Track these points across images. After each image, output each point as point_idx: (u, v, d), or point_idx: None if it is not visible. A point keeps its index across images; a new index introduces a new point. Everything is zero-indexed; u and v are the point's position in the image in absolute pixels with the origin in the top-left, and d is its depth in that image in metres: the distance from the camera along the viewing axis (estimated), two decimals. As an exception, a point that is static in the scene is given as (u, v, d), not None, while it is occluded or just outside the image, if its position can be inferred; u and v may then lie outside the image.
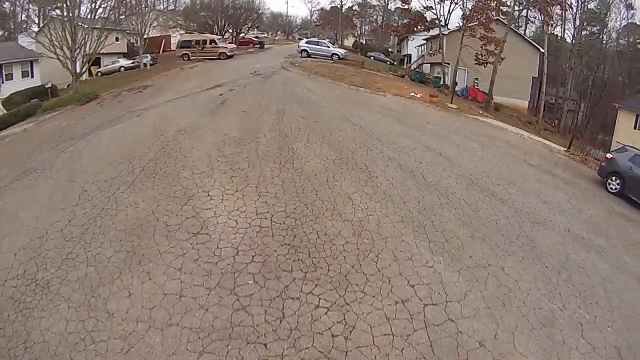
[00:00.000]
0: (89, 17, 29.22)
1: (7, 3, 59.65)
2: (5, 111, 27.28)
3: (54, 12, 29.99)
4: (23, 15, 63.75)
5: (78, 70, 27.84)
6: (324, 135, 13.96)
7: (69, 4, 26.58)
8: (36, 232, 8.89)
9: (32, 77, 35.76)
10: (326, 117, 16.41)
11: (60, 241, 8.41)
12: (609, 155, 15.38)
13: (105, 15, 30.44)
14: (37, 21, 62.05)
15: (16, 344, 6.09)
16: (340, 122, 15.93)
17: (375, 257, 7.58)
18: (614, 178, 14.34)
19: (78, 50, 27.07)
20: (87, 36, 27.58)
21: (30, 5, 63.06)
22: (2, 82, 32.52)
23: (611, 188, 14.31)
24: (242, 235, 7.98)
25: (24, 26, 61.66)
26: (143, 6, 37.61)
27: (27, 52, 36.68)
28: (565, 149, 20.33)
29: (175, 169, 11.08)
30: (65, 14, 26.93)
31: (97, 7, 29.03)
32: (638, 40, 53.37)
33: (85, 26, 28.13)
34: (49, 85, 31.79)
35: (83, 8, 28.60)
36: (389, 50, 63.31)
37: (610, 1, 50.90)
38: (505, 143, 18.55)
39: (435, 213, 9.52)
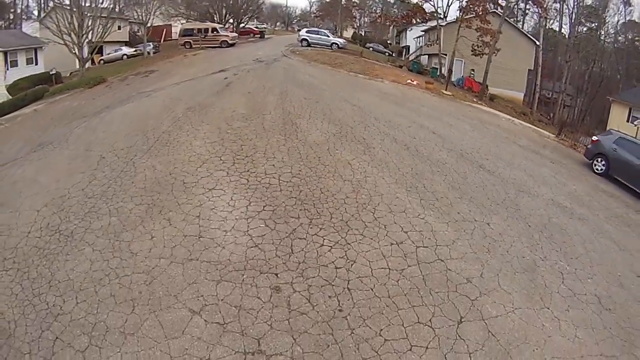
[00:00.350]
0: (93, 5, 29.82)
1: None
2: (10, 96, 27.98)
3: (57, 1, 30.40)
4: (22, 5, 64.21)
5: (84, 56, 28.52)
6: (325, 113, 14.71)
7: None
8: (57, 192, 9.50)
9: (37, 64, 36.46)
10: (326, 98, 17.18)
11: (82, 198, 9.06)
12: (594, 138, 16.20)
13: (112, 5, 30.92)
14: (36, 11, 62.67)
15: (40, 284, 6.59)
16: (339, 102, 16.70)
17: (373, 209, 8.40)
18: (599, 159, 15.12)
19: (85, 36, 27.74)
20: (93, 24, 28.22)
21: None
22: (8, 69, 33.12)
23: (597, 169, 15.11)
24: (254, 190, 8.79)
25: (23, 16, 62.18)
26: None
27: (31, 40, 37.35)
28: (555, 135, 21.14)
29: (188, 139, 11.82)
30: (71, 2, 27.55)
31: None
32: (637, 38, 54.14)
33: (91, 15, 28.74)
34: (54, 72, 32.41)
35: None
36: (388, 42, 63.93)
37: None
38: (497, 127, 19.41)
39: (427, 178, 10.34)
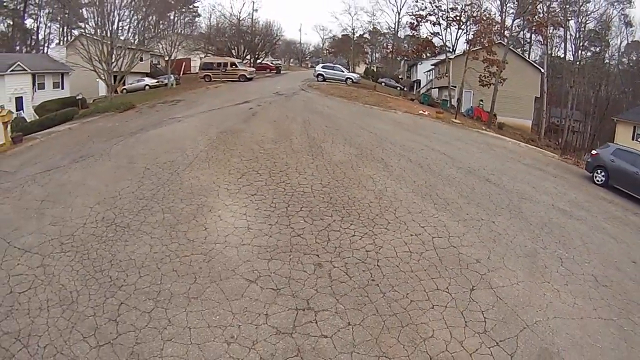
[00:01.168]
0: (123, 37, 32.19)
1: (29, 20, 63.46)
2: (38, 117, 29.56)
3: (80, 30, 32.89)
4: (45, 32, 67.41)
5: (113, 84, 30.72)
6: (346, 139, 16.28)
7: (104, 24, 29.53)
8: (107, 194, 10.70)
9: (63, 88, 38.76)
10: (345, 126, 18.82)
11: (133, 199, 10.29)
12: (593, 152, 17.54)
13: (140, 38, 33.10)
14: (58, 37, 66.29)
15: (101, 263, 7.60)
16: (358, 130, 18.31)
17: (394, 210, 9.81)
18: (599, 171, 16.40)
19: (114, 64, 29.98)
20: (122, 54, 30.47)
21: (52, 23, 67.00)
22: (35, 91, 35.14)
23: (597, 180, 16.35)
24: (290, 195, 10.28)
25: (43, 43, 65.78)
26: (171, 30, 40.43)
27: (58, 65, 39.63)
28: (559, 155, 22.45)
29: (225, 157, 13.37)
30: (101, 32, 29.89)
31: (132, 28, 32.04)
32: (642, 58, 55.53)
33: (120, 46, 30.96)
34: (80, 96, 34.37)
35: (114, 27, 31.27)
36: (399, 76, 66.11)
37: (609, 20, 53.26)
38: (503, 148, 20.84)
39: (439, 189, 11.72)
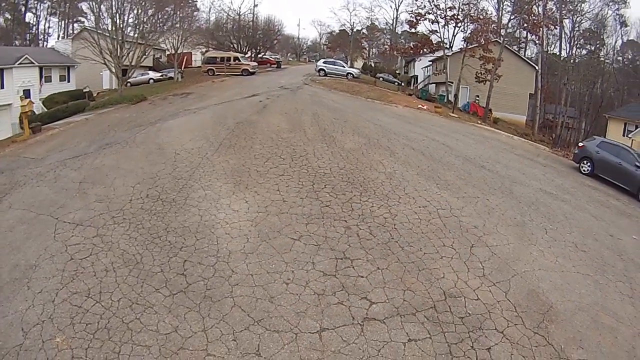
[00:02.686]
0: (132, 34, 33.50)
1: (28, 13, 64.06)
2: (46, 109, 30.53)
3: (81, 24, 33.91)
4: (45, 26, 68.25)
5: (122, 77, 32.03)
6: (354, 129, 17.84)
7: (113, 17, 30.83)
8: (146, 175, 11.76)
9: (69, 81, 39.77)
10: (352, 119, 20.37)
11: (172, 179, 11.43)
12: (580, 144, 19.28)
13: (140, 32, 34.10)
14: (57, 31, 67.07)
15: (157, 231, 8.69)
16: (364, 122, 19.86)
17: (403, 188, 11.43)
18: (585, 161, 18.13)
19: (125, 58, 31.29)
20: (131, 47, 31.82)
21: (51, 17, 67.84)
22: (42, 84, 36.14)
23: (583, 170, 18.08)
24: (314, 176, 11.83)
25: (42, 37, 66.53)
26: (170, 24, 41.53)
27: (64, 58, 40.62)
28: (550, 148, 24.19)
29: (247, 144, 14.76)
30: (110, 27, 31.20)
31: (133, 22, 33.29)
32: (637, 57, 57.14)
33: (129, 41, 32.27)
34: (87, 89, 35.53)
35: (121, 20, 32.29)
36: (397, 72, 67.65)
37: (604, 19, 54.99)
38: (497, 141, 22.58)
39: (440, 173, 13.31)
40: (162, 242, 8.40)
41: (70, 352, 5.78)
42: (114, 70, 31.29)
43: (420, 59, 53.09)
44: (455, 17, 38.66)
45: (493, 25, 37.37)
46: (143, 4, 33.80)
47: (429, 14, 39.01)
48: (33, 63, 35.21)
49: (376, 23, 72.38)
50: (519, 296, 7.30)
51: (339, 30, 76.69)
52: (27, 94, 34.37)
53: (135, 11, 32.89)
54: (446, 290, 7.22)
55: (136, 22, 33.31)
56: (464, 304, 6.92)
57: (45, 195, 10.90)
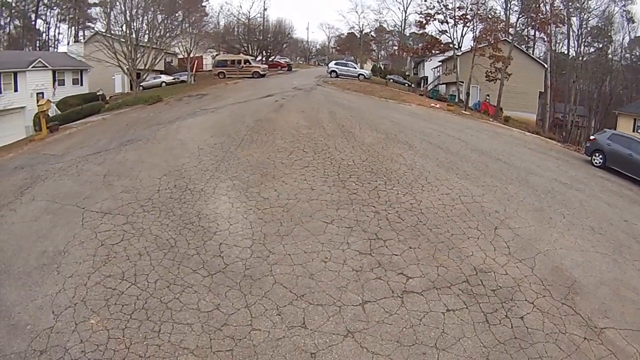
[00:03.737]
0: (145, 39, 34.32)
1: (38, 20, 65.10)
2: (59, 111, 31.16)
3: (91, 30, 34.71)
4: (55, 32, 69.39)
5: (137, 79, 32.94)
6: (371, 126, 18.32)
7: (126, 22, 31.67)
8: (171, 168, 12.05)
9: (82, 85, 40.49)
10: (368, 116, 20.86)
11: (198, 172, 11.74)
12: (592, 137, 19.61)
13: (151, 36, 34.94)
14: (67, 38, 68.14)
15: (189, 217, 8.98)
16: (379, 119, 20.33)
17: (425, 178, 11.89)
18: (597, 154, 18.45)
19: (139, 59, 32.08)
20: (144, 51, 32.64)
21: (60, 24, 68.97)
22: (56, 87, 36.84)
23: (595, 162, 18.40)
24: (338, 167, 12.31)
25: (52, 44, 67.56)
26: (180, 29, 42.33)
27: (76, 62, 41.44)
28: (562, 143, 24.52)
29: (269, 139, 15.20)
30: (123, 32, 32.03)
31: (146, 27, 34.07)
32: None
33: (142, 45, 33.13)
34: (100, 92, 36.27)
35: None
36: (406, 73, 67.99)
37: (611, 16, 55.06)
38: (509, 136, 22.98)
39: (458, 164, 13.74)
40: (195, 228, 8.65)
41: (106, 332, 5.82)
42: (127, 72, 31.93)
43: (431, 59, 53.39)
44: (464, 16, 39.03)
45: (502, 24, 37.67)
46: (153, 9, 34.68)
47: (438, 14, 39.43)
48: (46, 67, 35.95)
49: (384, 25, 72.88)
50: (544, 271, 7.73)
51: (348, 33, 77.37)
52: (41, 97, 35.12)
53: (146, 17, 33.77)
54: (476, 266, 7.67)
55: (147, 27, 34.11)
56: (494, 278, 7.37)
57: (69, 188, 11.12)
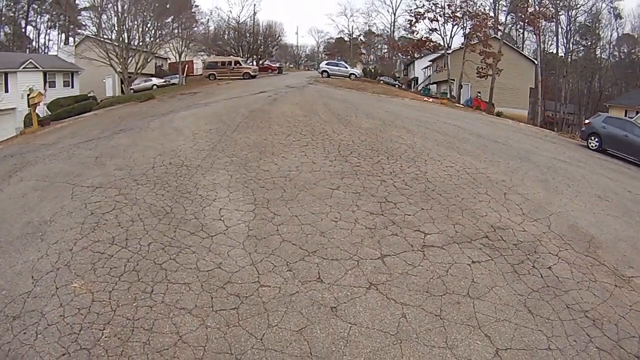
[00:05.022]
0: (137, 43, 34.18)
1: (28, 27, 64.65)
2: (50, 112, 30.45)
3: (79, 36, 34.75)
4: (45, 39, 68.89)
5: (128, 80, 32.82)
6: (366, 114, 18.09)
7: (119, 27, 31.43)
8: (166, 148, 11.66)
9: (73, 87, 40.02)
10: (363, 107, 20.63)
11: (194, 152, 11.26)
12: (586, 121, 19.63)
13: (141, 41, 34.98)
14: (57, 44, 67.55)
15: (186, 188, 8.57)
16: (374, 109, 20.12)
17: (426, 154, 11.67)
18: (593, 137, 18.46)
19: (131, 59, 31.95)
20: (137, 56, 32.50)
21: (50, 30, 68.40)
22: (47, 88, 35.95)
23: (591, 145, 18.39)
24: (338, 145, 12.05)
25: (42, 50, 66.94)
26: (169, 34, 42.25)
27: (68, 64, 41.00)
28: (555, 132, 24.57)
29: (265, 125, 14.71)
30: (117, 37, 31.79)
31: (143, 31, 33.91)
32: (632, 50, 57.77)
33: (133, 48, 33.03)
34: (92, 94, 35.96)
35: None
36: (396, 75, 68.22)
37: (599, 13, 55.74)
38: (505, 125, 23.13)
39: (458, 145, 13.53)
40: (193, 196, 8.24)
41: (90, 295, 5.37)
42: (119, 73, 31.74)
43: (422, 56, 53.60)
44: (454, 14, 39.23)
45: (491, 20, 37.93)
46: (143, 14, 34.58)
47: (428, 12, 39.63)
48: (37, 68, 35.46)
49: (373, 29, 73.21)
50: (562, 229, 7.55)
51: (337, 37, 77.57)
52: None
53: (136, 21, 33.67)
54: (493, 224, 7.46)
55: (137, 32, 34.02)
56: (513, 234, 7.16)
57: (60, 169, 10.67)
